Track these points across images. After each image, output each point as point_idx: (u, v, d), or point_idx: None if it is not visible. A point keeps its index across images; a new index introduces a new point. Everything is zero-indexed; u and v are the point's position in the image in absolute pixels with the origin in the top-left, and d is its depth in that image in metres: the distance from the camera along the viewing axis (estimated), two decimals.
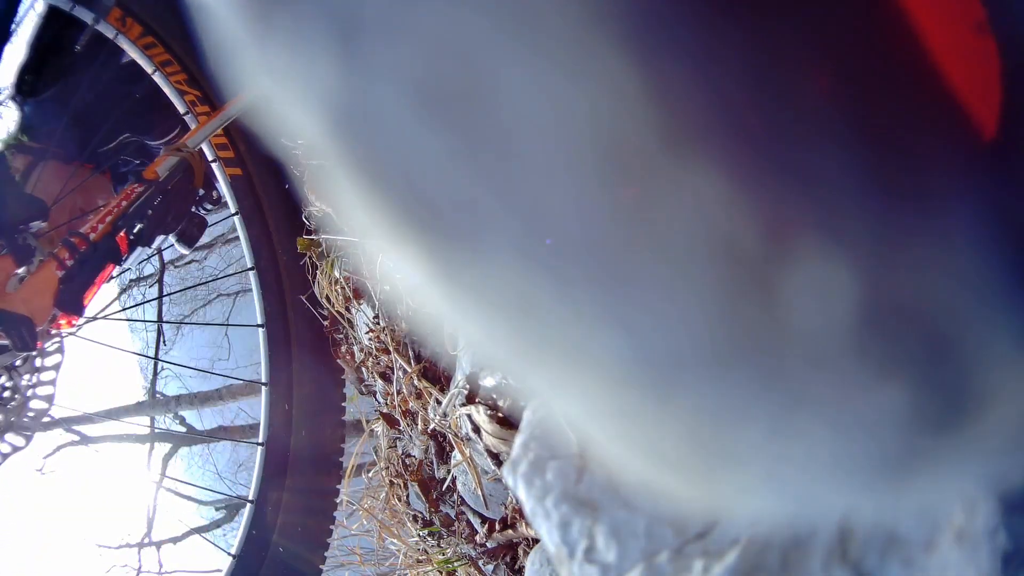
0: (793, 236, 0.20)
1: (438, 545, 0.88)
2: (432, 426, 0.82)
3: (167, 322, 4.01)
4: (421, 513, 0.92)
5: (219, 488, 4.86)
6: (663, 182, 0.20)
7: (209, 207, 1.47)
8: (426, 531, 0.90)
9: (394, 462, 1.00)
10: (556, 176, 0.21)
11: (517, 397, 0.65)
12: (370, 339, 1.01)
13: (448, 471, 0.83)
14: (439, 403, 0.80)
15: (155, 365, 4.72)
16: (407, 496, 0.96)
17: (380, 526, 1.02)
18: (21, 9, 1.15)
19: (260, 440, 1.27)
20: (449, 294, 0.25)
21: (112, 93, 1.37)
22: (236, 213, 1.28)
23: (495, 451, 0.67)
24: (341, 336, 1.22)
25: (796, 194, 0.20)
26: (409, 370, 0.88)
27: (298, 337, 1.28)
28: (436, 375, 0.85)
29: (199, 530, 5.06)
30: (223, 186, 1.29)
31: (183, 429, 5.49)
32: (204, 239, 1.29)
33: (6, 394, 0.98)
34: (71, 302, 0.98)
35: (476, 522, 0.79)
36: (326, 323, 1.24)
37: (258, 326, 1.28)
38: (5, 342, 0.93)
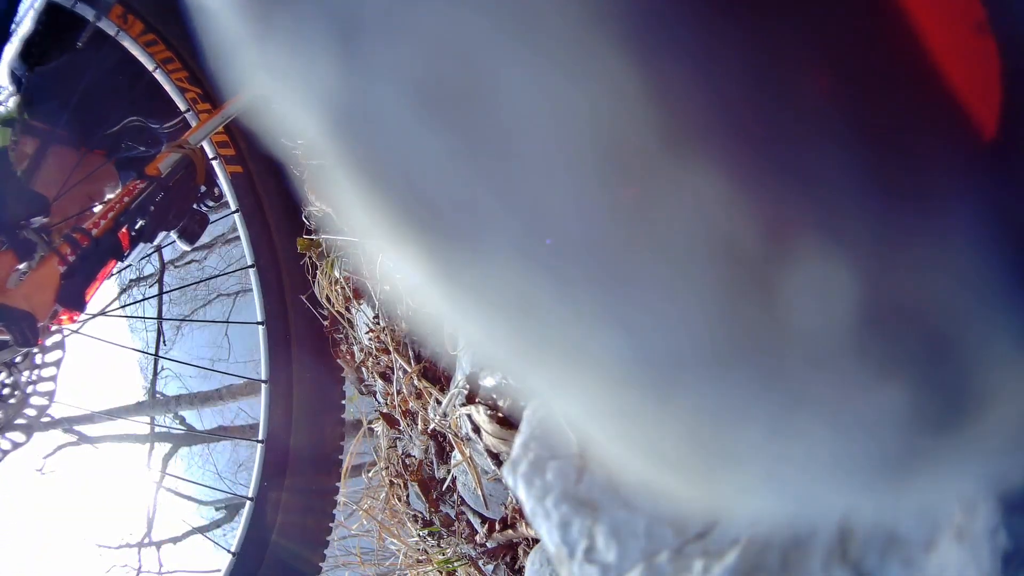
0: (793, 236, 0.20)
1: (438, 545, 0.88)
2: (432, 426, 0.82)
3: (167, 319, 4.00)
4: (421, 513, 0.92)
5: (219, 487, 4.86)
6: (663, 182, 0.20)
7: (210, 204, 1.47)
8: (426, 531, 0.90)
9: (394, 462, 1.00)
10: (556, 176, 0.21)
11: (517, 397, 0.65)
12: (370, 339, 1.01)
13: (448, 471, 0.83)
14: (439, 403, 0.80)
15: (155, 364, 4.72)
16: (407, 496, 0.96)
17: (380, 526, 1.02)
18: (21, 9, 1.15)
19: (260, 438, 1.27)
20: (449, 294, 0.25)
21: (117, 76, 1.37)
22: (237, 210, 1.29)
23: (495, 451, 0.67)
24: (341, 336, 1.22)
25: (796, 194, 0.20)
26: (409, 370, 0.88)
27: (298, 336, 1.29)
28: (436, 375, 0.85)
29: (199, 529, 5.06)
30: (224, 183, 1.29)
31: (183, 429, 5.48)
32: (204, 238, 1.29)
33: (6, 390, 0.98)
34: (73, 298, 0.98)
35: (476, 522, 0.79)
36: (326, 323, 1.24)
37: (258, 323, 1.28)
38: (6, 338, 0.93)
